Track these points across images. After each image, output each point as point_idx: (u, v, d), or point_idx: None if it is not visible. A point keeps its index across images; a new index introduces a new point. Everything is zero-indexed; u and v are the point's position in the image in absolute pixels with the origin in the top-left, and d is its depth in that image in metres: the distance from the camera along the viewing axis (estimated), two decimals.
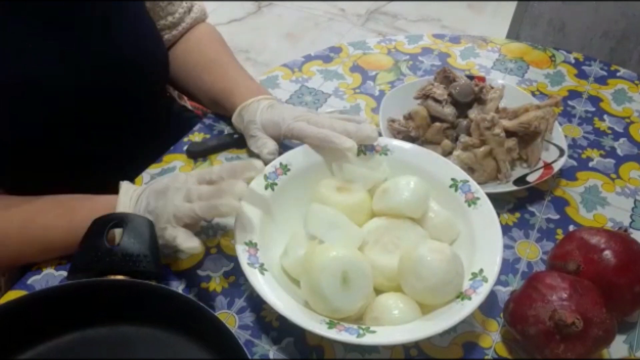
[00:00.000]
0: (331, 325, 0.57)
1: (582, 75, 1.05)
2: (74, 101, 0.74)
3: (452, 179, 0.71)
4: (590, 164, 0.86)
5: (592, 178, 0.84)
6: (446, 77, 0.87)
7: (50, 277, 0.69)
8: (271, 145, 0.76)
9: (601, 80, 1.04)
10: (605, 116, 0.96)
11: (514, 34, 1.78)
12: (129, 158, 0.83)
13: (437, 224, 0.68)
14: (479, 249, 0.64)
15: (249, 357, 0.51)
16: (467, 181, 0.70)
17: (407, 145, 0.76)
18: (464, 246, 0.66)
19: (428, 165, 0.73)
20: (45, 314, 0.56)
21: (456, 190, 0.70)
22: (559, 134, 0.85)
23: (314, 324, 0.56)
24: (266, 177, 0.70)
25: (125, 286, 0.58)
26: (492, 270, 0.60)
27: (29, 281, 0.68)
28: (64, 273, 0.69)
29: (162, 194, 0.64)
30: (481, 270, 0.61)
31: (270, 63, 2.53)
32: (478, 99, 0.85)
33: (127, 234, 0.61)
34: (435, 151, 0.81)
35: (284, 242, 0.67)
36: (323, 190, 0.70)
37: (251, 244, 0.63)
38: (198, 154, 0.85)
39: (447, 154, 0.81)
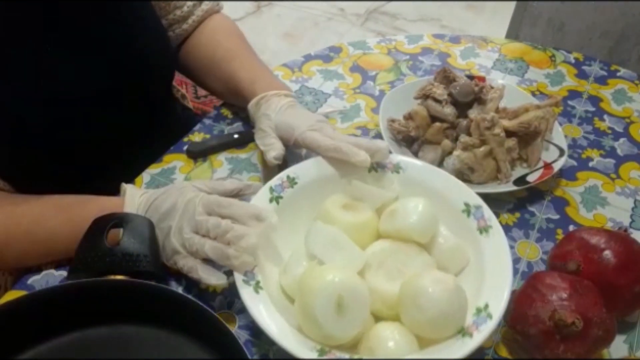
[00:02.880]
0: (322, 352, 0.55)
1: (582, 75, 1.05)
2: (84, 105, 0.74)
3: (465, 204, 0.68)
4: (590, 164, 0.86)
5: (592, 178, 0.84)
6: (446, 77, 0.87)
7: (50, 277, 0.68)
8: (279, 148, 0.73)
9: (601, 80, 1.04)
10: (605, 116, 0.96)
11: (513, 34, 1.78)
12: (130, 157, 0.83)
13: (445, 250, 0.65)
14: (486, 282, 0.61)
15: (249, 357, 0.51)
16: (481, 207, 0.67)
17: (420, 163, 0.73)
18: (472, 276, 0.63)
19: (441, 186, 0.70)
20: (45, 314, 0.56)
21: (469, 215, 0.67)
22: (559, 134, 0.84)
23: (304, 351, 0.54)
24: (271, 190, 0.68)
25: (125, 286, 0.58)
26: (498, 307, 0.57)
27: (29, 281, 0.68)
28: (64, 273, 0.69)
29: (169, 215, 0.64)
30: (486, 306, 0.58)
31: (270, 63, 2.50)
32: (478, 99, 0.85)
33: (127, 234, 0.61)
34: (435, 151, 0.80)
35: (285, 259, 0.65)
36: (329, 206, 0.67)
37: None
38: (198, 154, 0.85)
39: (447, 154, 0.81)
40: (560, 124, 0.93)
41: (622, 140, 0.91)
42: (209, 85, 0.95)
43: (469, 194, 0.68)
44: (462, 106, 0.84)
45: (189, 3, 0.91)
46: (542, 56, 1.10)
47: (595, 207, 0.79)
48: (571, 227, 0.76)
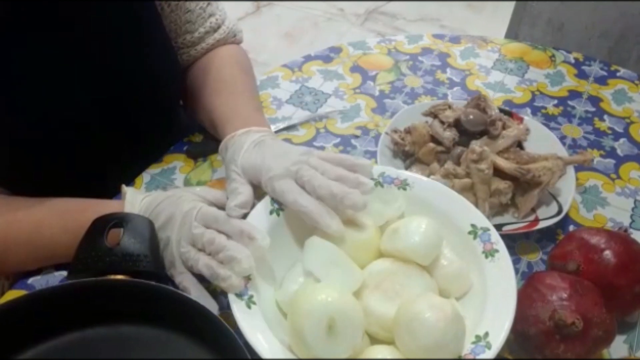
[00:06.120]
0: None
1: (582, 75, 1.05)
2: (86, 112, 0.74)
3: (472, 225, 0.65)
4: (590, 164, 0.86)
5: (592, 178, 0.84)
6: (478, 105, 0.83)
7: (50, 277, 0.69)
8: (244, 196, 0.64)
9: (601, 80, 1.04)
10: (605, 116, 0.96)
11: (512, 34, 1.78)
12: (130, 158, 0.83)
13: (447, 273, 0.63)
14: (488, 309, 0.58)
15: (249, 357, 0.51)
16: (488, 230, 0.64)
17: (429, 181, 0.71)
18: (474, 302, 0.61)
19: (448, 206, 0.67)
20: (45, 314, 0.56)
21: (475, 237, 0.64)
22: (569, 191, 0.75)
23: None
24: (273, 201, 0.66)
25: (125, 286, 0.58)
26: (498, 337, 0.55)
27: (29, 281, 0.68)
28: (64, 273, 0.69)
29: (167, 225, 0.63)
30: (486, 334, 0.55)
31: (269, 63, 2.53)
32: (488, 132, 0.80)
33: (127, 234, 0.61)
34: (422, 172, 0.77)
35: (283, 274, 0.64)
36: None
37: None
38: (198, 154, 0.85)
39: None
40: (560, 124, 0.93)
41: (622, 140, 0.91)
42: (199, 114, 0.87)
43: (477, 216, 0.66)
44: (469, 135, 0.80)
45: (201, 30, 0.87)
46: (542, 56, 1.10)
47: (595, 207, 0.79)
48: (571, 227, 0.76)
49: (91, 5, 0.71)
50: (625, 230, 0.72)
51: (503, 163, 0.75)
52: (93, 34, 0.72)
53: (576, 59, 1.09)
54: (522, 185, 0.75)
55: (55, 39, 0.69)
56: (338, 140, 0.90)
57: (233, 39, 0.92)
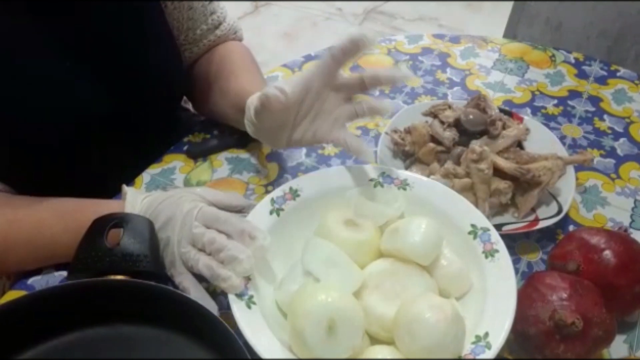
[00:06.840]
0: None
1: (582, 75, 1.05)
2: (89, 115, 0.74)
3: (472, 225, 0.65)
4: (590, 164, 0.86)
5: (592, 178, 0.84)
6: (478, 104, 0.83)
7: (50, 277, 0.68)
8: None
9: (601, 80, 1.04)
10: (605, 116, 0.96)
11: (510, 33, 1.78)
12: (130, 157, 0.83)
13: (447, 273, 0.63)
14: (488, 309, 0.58)
15: (249, 357, 0.51)
16: (488, 230, 0.64)
17: (428, 181, 0.71)
18: (474, 302, 0.61)
19: (448, 206, 0.67)
20: (45, 314, 0.56)
21: (475, 237, 0.64)
22: (569, 191, 0.75)
23: None
24: (273, 201, 0.67)
25: (125, 286, 0.57)
26: (498, 337, 0.55)
27: (29, 281, 0.68)
28: (64, 273, 0.69)
29: (167, 225, 0.63)
30: (486, 334, 0.55)
31: (268, 63, 2.53)
32: (488, 132, 0.80)
33: (127, 234, 0.61)
34: (423, 172, 0.77)
35: (283, 274, 0.63)
36: (330, 222, 0.65)
37: None
38: (198, 154, 0.85)
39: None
40: (560, 124, 0.93)
41: (622, 140, 0.91)
42: (214, 105, 0.87)
43: (477, 216, 0.66)
44: (469, 135, 0.80)
45: (203, 27, 0.88)
46: (542, 56, 1.10)
47: (595, 207, 0.79)
48: (571, 227, 0.76)
49: (93, 4, 0.71)
50: (625, 230, 0.72)
51: (503, 163, 0.75)
52: (95, 33, 0.72)
53: (576, 59, 1.09)
54: (522, 185, 0.75)
55: (56, 38, 0.69)
56: None
57: (234, 35, 0.93)
